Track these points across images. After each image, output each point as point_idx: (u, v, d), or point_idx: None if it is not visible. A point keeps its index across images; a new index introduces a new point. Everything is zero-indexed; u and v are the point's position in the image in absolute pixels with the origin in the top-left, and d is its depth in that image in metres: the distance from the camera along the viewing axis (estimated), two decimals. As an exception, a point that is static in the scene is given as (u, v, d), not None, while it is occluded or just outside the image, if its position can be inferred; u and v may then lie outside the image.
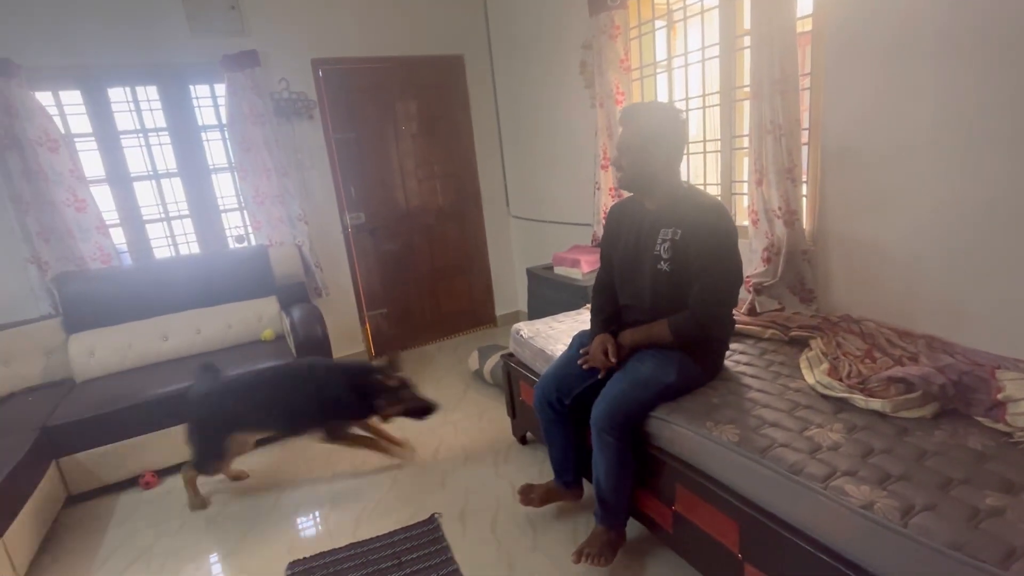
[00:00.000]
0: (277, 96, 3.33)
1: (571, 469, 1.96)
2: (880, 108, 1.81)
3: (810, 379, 1.64)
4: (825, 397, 1.56)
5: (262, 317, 3.11)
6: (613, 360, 1.74)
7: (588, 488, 1.89)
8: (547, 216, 3.79)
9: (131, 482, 2.54)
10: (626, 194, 1.92)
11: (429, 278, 4.11)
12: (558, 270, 3.09)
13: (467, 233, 4.21)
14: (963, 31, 1.57)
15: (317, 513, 2.25)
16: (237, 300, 3.11)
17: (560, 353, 2.01)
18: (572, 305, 2.76)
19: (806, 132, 2.05)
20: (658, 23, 2.69)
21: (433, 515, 2.09)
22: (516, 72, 3.76)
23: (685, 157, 2.65)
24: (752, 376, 1.75)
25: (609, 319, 1.89)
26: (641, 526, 1.78)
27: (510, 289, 4.41)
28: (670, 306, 1.69)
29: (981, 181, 1.60)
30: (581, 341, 1.93)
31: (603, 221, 2.97)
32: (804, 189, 2.09)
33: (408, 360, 3.85)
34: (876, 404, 1.44)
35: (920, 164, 1.73)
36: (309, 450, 2.70)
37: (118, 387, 2.61)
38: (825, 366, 1.66)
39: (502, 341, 3.38)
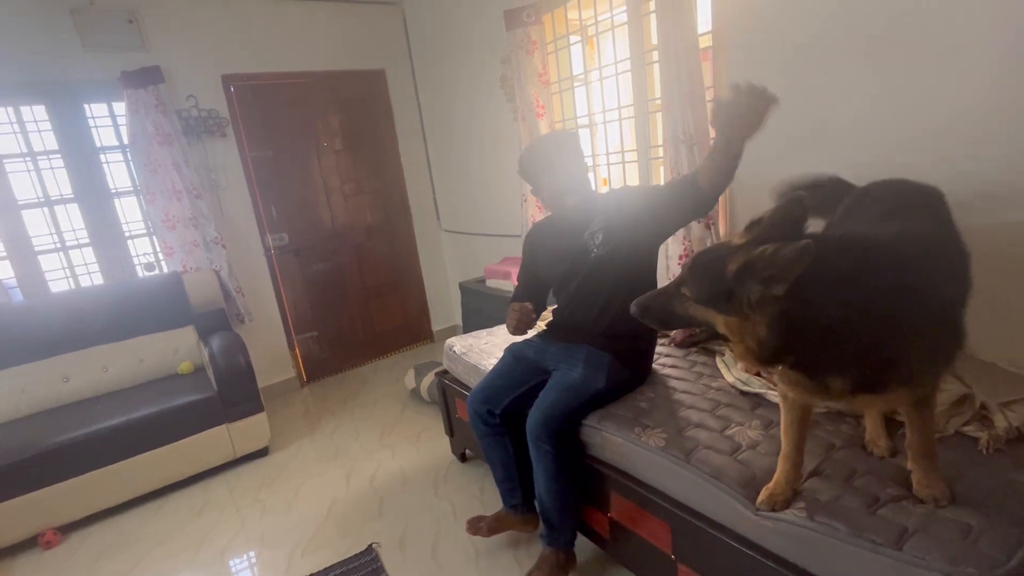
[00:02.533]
0: (185, 114, 3.15)
1: (518, 490, 1.85)
2: (780, 114, 1.92)
3: (729, 378, 1.72)
4: (744, 394, 1.64)
5: (178, 349, 2.91)
6: (533, 316, 1.76)
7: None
8: (478, 229, 3.79)
9: (30, 542, 2.29)
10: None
11: (361, 297, 4.00)
12: (490, 283, 3.09)
13: (398, 249, 4.13)
14: (848, 38, 1.70)
15: (252, 554, 2.12)
16: (149, 332, 2.89)
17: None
18: (505, 317, 2.76)
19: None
20: (573, 38, 2.76)
21: (371, 545, 2.01)
22: (439, 86, 3.75)
23: (606, 167, 2.74)
24: (677, 378, 1.81)
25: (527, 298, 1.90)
26: (595, 546, 1.78)
27: (446, 304, 4.36)
28: (610, 286, 1.71)
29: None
30: (513, 353, 1.93)
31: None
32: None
33: (343, 383, 3.73)
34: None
35: (818, 161, 1.85)
36: (236, 487, 2.55)
37: (11, 437, 2.35)
38: (741, 363, 1.74)
39: (439, 357, 3.33)
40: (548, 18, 2.76)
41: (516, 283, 2.03)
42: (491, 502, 2.14)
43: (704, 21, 2.07)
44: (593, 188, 1.82)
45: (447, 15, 3.44)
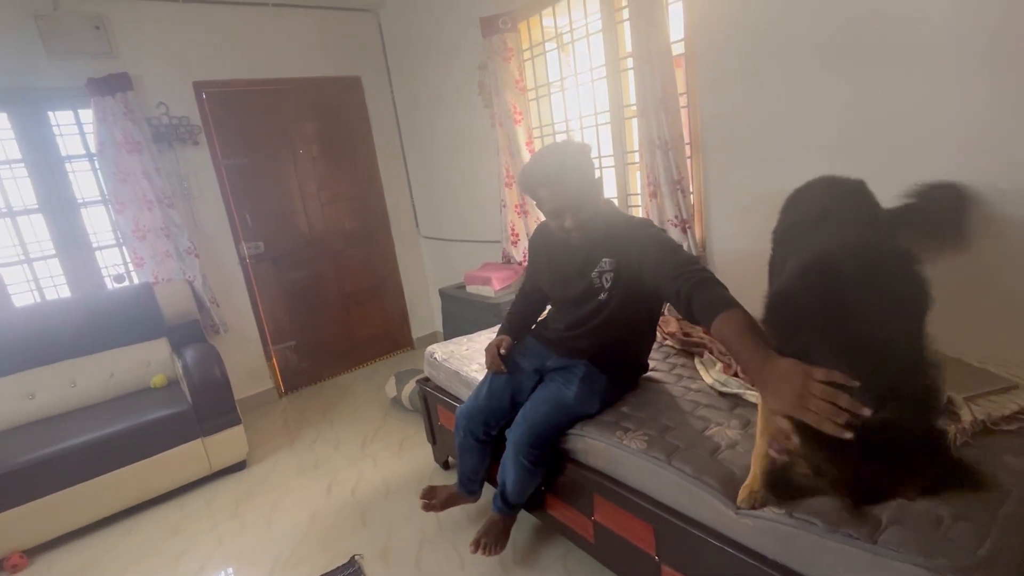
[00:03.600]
0: (156, 121, 3.08)
1: (479, 483, 1.98)
2: (749, 118, 1.98)
3: (708, 379, 1.74)
4: (723, 395, 1.66)
5: (150, 362, 2.84)
6: (503, 352, 1.83)
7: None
8: (457, 235, 3.78)
9: (-6, 567, 2.20)
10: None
11: (340, 305, 3.95)
12: (470, 289, 3.09)
13: (377, 256, 4.10)
14: (810, 44, 1.75)
15: (230, 570, 2.07)
16: (120, 346, 2.81)
17: (479, 380, 1.96)
18: (487, 323, 2.76)
19: (689, 146, 2.20)
20: (549, 45, 2.79)
21: (353, 557, 1.98)
22: (416, 93, 3.74)
23: (611, 170, 2.69)
24: (658, 381, 1.83)
25: (520, 326, 1.95)
26: (568, 542, 1.80)
27: (426, 310, 4.34)
28: (613, 329, 1.65)
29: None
30: (507, 366, 1.88)
31: (511, 238, 3.02)
32: (692, 199, 2.23)
33: (322, 393, 3.67)
34: (766, 397, 1.55)
35: (790, 164, 1.89)
36: (213, 502, 2.49)
37: (-28, 458, 2.26)
38: (720, 365, 1.77)
39: (420, 364, 3.30)
40: (524, 25, 2.78)
41: (525, 276, 2.02)
42: (475, 511, 2.13)
43: (677, 29, 2.11)
44: (608, 207, 1.66)
45: (423, 22, 3.44)
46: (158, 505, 2.52)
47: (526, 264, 2.00)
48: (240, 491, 2.57)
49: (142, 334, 2.86)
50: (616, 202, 2.60)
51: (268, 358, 3.63)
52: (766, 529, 1.15)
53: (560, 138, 2.89)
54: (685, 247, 2.23)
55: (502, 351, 1.84)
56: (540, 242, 1.85)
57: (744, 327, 1.13)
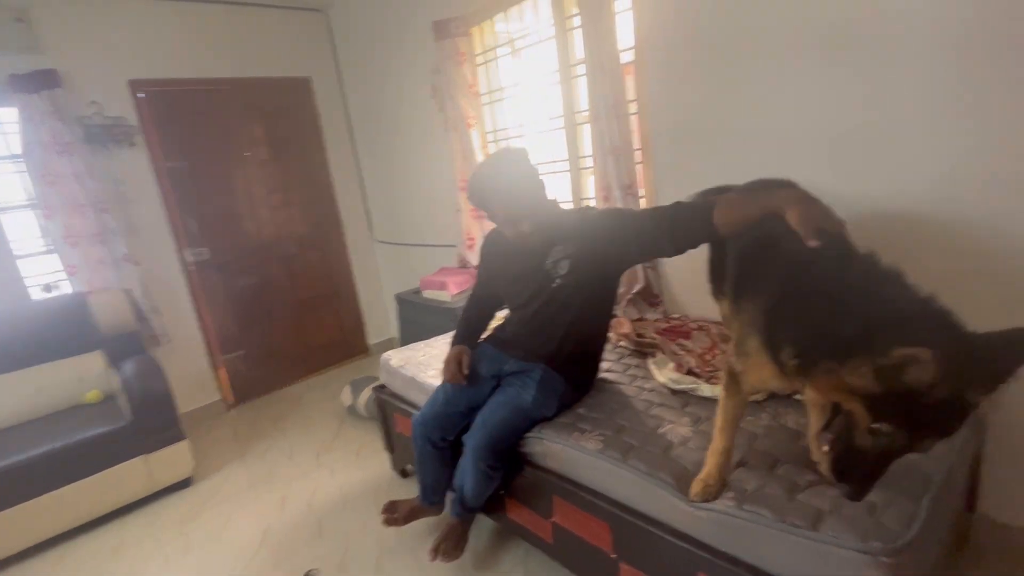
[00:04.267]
0: (87, 121, 2.90)
1: (442, 493, 1.94)
2: (697, 124, 2.04)
3: (661, 378, 1.79)
4: (675, 393, 1.71)
5: (84, 377, 2.66)
6: (465, 372, 1.79)
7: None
8: (412, 239, 3.75)
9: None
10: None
11: (293, 311, 3.83)
12: (427, 294, 3.06)
13: (331, 261, 4.00)
14: (754, 52, 1.83)
15: (171, 596, 1.97)
16: (48, 360, 2.62)
17: (435, 387, 1.93)
18: (443, 328, 2.73)
19: (639, 152, 2.25)
20: (502, 50, 2.80)
21: (309, 572, 1.93)
22: (368, 95, 3.68)
23: (566, 175, 2.70)
24: (613, 381, 1.87)
25: (474, 334, 1.94)
26: (526, 543, 1.81)
27: (382, 316, 4.27)
28: (572, 315, 1.66)
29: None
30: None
31: (467, 242, 3.01)
32: (643, 204, 2.29)
33: (274, 403, 3.55)
34: (718, 390, 1.60)
35: (737, 169, 1.95)
36: (157, 522, 2.37)
37: None
38: (672, 364, 1.82)
39: (377, 371, 3.25)
40: (477, 30, 2.79)
41: (476, 281, 2.00)
42: (436, 519, 2.11)
43: (627, 37, 2.16)
44: (552, 206, 1.70)
45: (374, 23, 3.39)
46: (95, 529, 2.37)
47: (453, 282, 2.03)
48: (186, 509, 2.45)
49: (74, 348, 2.68)
50: (572, 206, 2.64)
51: (216, 368, 3.48)
52: (718, 521, 1.19)
53: (515, 143, 2.90)
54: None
55: (464, 371, 1.80)
56: (493, 248, 1.88)
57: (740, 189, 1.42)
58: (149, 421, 2.45)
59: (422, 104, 3.16)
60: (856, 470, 0.91)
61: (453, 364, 1.81)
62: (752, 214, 1.24)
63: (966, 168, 1.50)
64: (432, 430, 1.83)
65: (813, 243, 1.05)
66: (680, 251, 1.41)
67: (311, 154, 3.82)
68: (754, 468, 1.29)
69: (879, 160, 1.64)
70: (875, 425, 0.87)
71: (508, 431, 1.64)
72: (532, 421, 1.67)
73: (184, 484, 2.63)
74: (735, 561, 1.17)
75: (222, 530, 2.26)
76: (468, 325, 1.95)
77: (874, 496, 1.10)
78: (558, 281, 1.65)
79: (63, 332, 2.67)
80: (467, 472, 1.68)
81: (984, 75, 1.42)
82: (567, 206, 2.65)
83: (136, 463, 2.43)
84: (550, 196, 1.69)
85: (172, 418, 2.54)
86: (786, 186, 1.44)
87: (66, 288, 2.94)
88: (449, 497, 1.89)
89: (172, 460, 2.55)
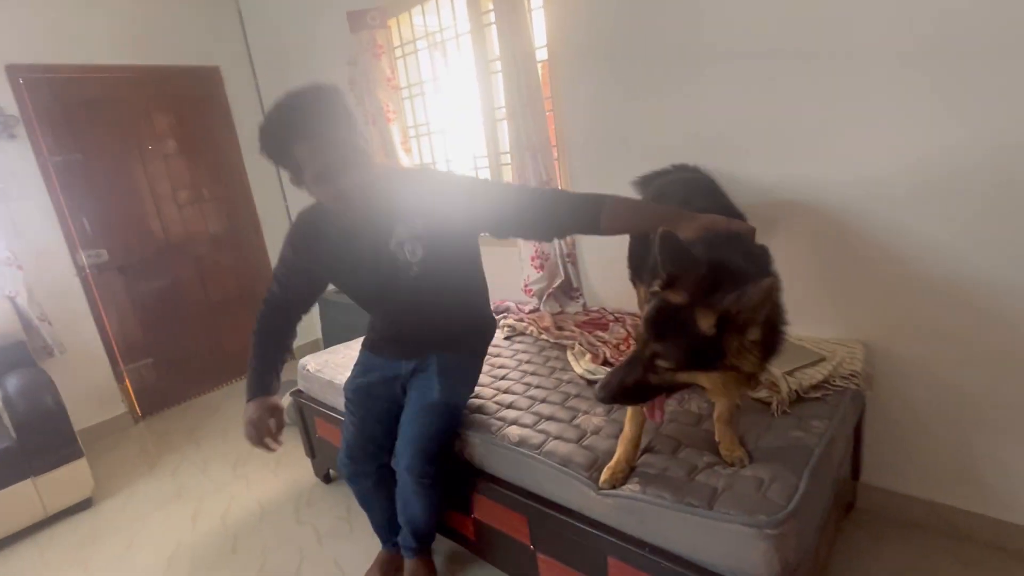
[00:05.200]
0: (-44, 110, 2.61)
1: (396, 527, 1.66)
2: (608, 120, 2.09)
3: (578, 369, 1.84)
4: (591, 383, 1.76)
5: (-42, 395, 2.40)
6: (279, 444, 1.48)
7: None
8: (336, 237, 3.63)
9: None
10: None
11: (206, 315, 3.61)
12: (350, 293, 2.98)
13: (248, 261, 3.81)
14: (661, 50, 1.89)
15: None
16: (-86, 378, 2.35)
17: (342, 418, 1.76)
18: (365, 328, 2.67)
19: (556, 148, 2.29)
20: (421, 43, 2.76)
21: (222, 589, 1.83)
22: (284, 86, 3.45)
23: (486, 170, 2.67)
24: (532, 373, 1.89)
25: (271, 368, 1.53)
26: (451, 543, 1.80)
27: (305, 317, 4.08)
28: (447, 298, 1.50)
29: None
30: (360, 393, 1.65)
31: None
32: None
33: (187, 414, 3.34)
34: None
35: (649, 163, 2.01)
36: (50, 550, 2.17)
37: None
38: (588, 356, 1.87)
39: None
40: (394, 22, 2.73)
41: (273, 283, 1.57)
42: (359, 522, 2.06)
43: (542, 35, 2.18)
44: (383, 168, 1.42)
45: (287, 12, 3.24)
46: (-26, 563, 2.15)
47: (277, 264, 1.56)
48: (85, 533, 2.26)
49: (-54, 362, 2.42)
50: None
51: (120, 379, 3.23)
52: (624, 506, 1.24)
53: (436, 137, 2.87)
54: (554, 246, 2.32)
55: (276, 433, 1.48)
56: (310, 229, 1.47)
57: (635, 203, 1.29)
58: (37, 440, 2.23)
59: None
60: (624, 394, 1.03)
61: (254, 429, 1.43)
62: (640, 228, 1.27)
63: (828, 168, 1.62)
64: (360, 462, 1.61)
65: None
66: (559, 239, 1.36)
67: (224, 148, 3.61)
68: (659, 452, 1.35)
69: (776, 153, 1.74)
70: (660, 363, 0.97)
71: (433, 435, 1.49)
72: (452, 414, 1.55)
73: (84, 506, 2.42)
74: (641, 543, 1.22)
75: (124, 554, 2.10)
76: (264, 356, 1.52)
77: (763, 472, 1.19)
78: (416, 270, 1.41)
79: (-71, 346, 2.39)
80: (408, 498, 1.51)
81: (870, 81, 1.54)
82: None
83: (23, 487, 2.21)
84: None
85: (66, 435, 2.33)
86: (696, 183, 1.51)
87: (-66, 297, 2.63)
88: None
89: (68, 481, 2.34)
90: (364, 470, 1.63)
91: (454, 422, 1.58)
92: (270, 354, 1.56)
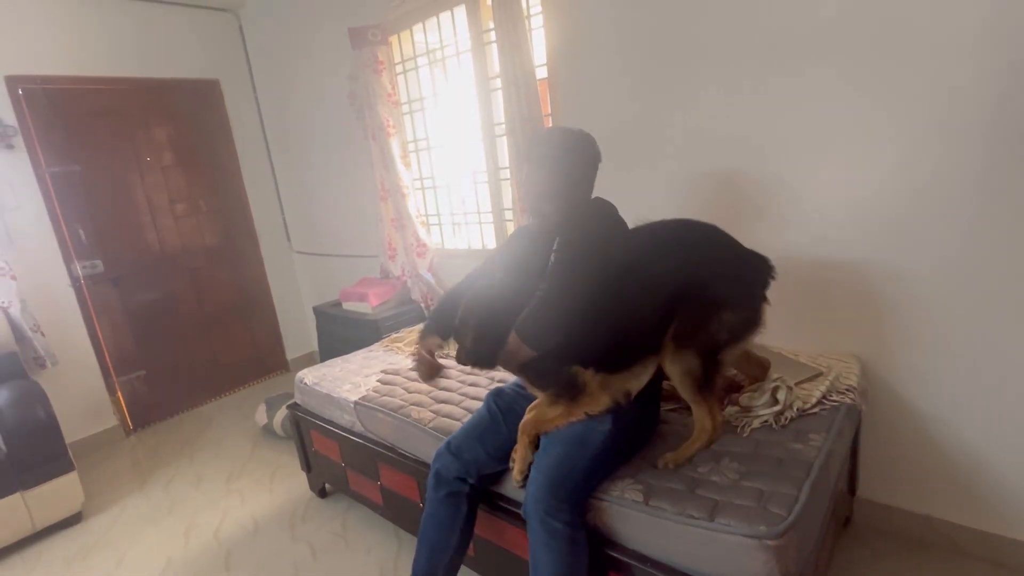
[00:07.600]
0: (-46, 120, 2.61)
1: None
2: (608, 137, 2.10)
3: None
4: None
5: (-52, 407, 2.36)
6: (439, 366, 1.47)
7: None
8: (332, 250, 3.64)
9: None
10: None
11: (201, 327, 3.60)
12: (347, 306, 2.98)
13: (244, 273, 3.80)
14: (658, 66, 1.93)
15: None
16: (-97, 389, 2.31)
17: (352, 403, 1.80)
18: (364, 341, 2.67)
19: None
20: (422, 60, 2.80)
21: (215, 606, 1.80)
22: (283, 99, 3.56)
23: (485, 185, 2.68)
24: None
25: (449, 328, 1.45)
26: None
27: (301, 330, 4.10)
28: None
29: (695, 192, 1.98)
30: (496, 402, 1.55)
31: (388, 252, 2.97)
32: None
33: (180, 427, 3.31)
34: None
35: (648, 178, 2.04)
36: (38, 567, 2.12)
37: None
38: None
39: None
40: (395, 39, 2.77)
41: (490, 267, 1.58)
42: (355, 538, 2.05)
43: (541, 53, 2.22)
44: (589, 206, 1.48)
45: (288, 26, 3.29)
46: (-40, 579, 2.10)
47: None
48: (75, 549, 2.22)
49: (-64, 373, 2.38)
50: (492, 215, 2.65)
51: (112, 392, 3.20)
52: (626, 518, 1.24)
53: (435, 152, 2.90)
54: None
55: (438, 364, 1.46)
56: (522, 239, 1.58)
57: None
58: (27, 453, 2.20)
59: (340, 111, 3.09)
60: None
61: (423, 361, 1.46)
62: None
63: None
64: (448, 464, 1.45)
65: None
66: None
67: (222, 161, 3.62)
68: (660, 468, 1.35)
69: (769, 166, 1.78)
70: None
71: (569, 468, 1.28)
72: (593, 451, 1.31)
73: (74, 521, 2.38)
74: (643, 557, 1.22)
75: (116, 570, 2.07)
76: (442, 317, 1.47)
77: (763, 484, 1.19)
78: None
79: (-80, 357, 2.36)
80: (537, 547, 1.25)
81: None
82: (486, 217, 2.67)
83: (13, 501, 2.18)
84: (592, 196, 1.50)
85: (57, 448, 2.30)
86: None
87: (-74, 307, 2.60)
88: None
89: (58, 495, 2.30)
90: (447, 474, 1.45)
91: (595, 463, 1.32)
92: (439, 320, 1.51)
